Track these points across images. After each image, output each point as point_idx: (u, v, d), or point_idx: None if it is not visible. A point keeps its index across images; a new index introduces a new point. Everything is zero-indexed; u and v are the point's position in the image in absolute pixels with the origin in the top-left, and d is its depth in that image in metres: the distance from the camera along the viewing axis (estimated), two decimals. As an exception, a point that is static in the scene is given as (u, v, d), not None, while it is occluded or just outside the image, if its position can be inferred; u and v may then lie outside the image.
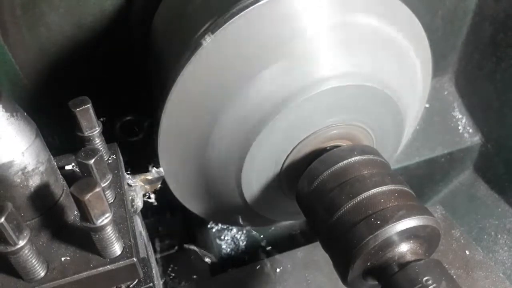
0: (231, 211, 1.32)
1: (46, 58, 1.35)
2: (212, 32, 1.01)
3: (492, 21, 1.68)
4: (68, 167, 0.98)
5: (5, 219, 0.68)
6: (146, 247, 1.04)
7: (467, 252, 1.48)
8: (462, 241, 1.52)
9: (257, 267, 1.54)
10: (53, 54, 1.35)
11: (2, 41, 1.25)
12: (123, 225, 0.86)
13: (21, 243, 0.72)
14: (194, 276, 1.64)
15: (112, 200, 0.91)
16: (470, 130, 1.91)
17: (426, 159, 1.86)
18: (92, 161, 0.83)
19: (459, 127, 1.91)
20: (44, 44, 1.32)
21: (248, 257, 1.85)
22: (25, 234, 0.73)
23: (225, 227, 1.87)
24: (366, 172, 1.04)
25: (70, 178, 0.93)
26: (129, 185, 1.07)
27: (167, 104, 1.07)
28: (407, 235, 0.93)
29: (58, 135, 1.32)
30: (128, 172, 1.10)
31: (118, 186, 0.95)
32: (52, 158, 0.85)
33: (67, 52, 1.36)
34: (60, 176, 0.88)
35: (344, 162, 1.07)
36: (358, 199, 0.98)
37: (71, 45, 1.35)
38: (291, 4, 1.03)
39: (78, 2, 1.27)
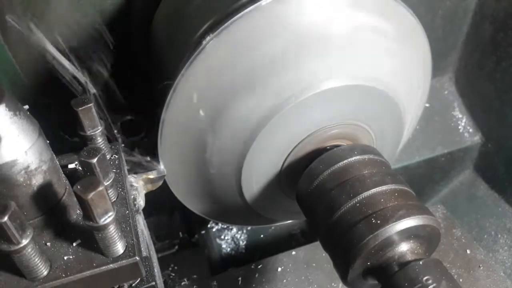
0: (231, 210, 1.32)
1: (46, 58, 1.35)
2: (212, 32, 1.01)
3: (492, 20, 1.68)
4: (70, 166, 0.98)
5: (9, 218, 0.68)
6: (148, 246, 1.04)
7: (468, 251, 1.49)
8: (463, 240, 1.52)
9: (258, 267, 1.54)
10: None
11: (2, 40, 1.25)
12: (125, 224, 0.87)
13: (24, 242, 0.72)
14: (194, 276, 1.64)
15: (114, 199, 0.92)
16: (470, 130, 1.91)
17: (426, 158, 1.86)
18: (95, 160, 0.83)
19: (459, 127, 1.91)
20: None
21: (249, 257, 1.85)
22: (28, 233, 0.73)
23: (225, 226, 1.88)
24: (366, 171, 1.04)
25: (72, 177, 0.93)
26: (131, 184, 1.07)
27: (167, 104, 1.07)
28: (407, 234, 0.93)
29: (58, 135, 1.32)
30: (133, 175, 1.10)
31: (120, 185, 0.95)
32: (55, 157, 0.85)
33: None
34: (63, 175, 0.88)
35: (344, 161, 1.07)
36: (358, 198, 0.98)
37: (71, 45, 1.35)
38: (291, 4, 1.03)
39: (78, 1, 1.27)
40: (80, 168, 0.96)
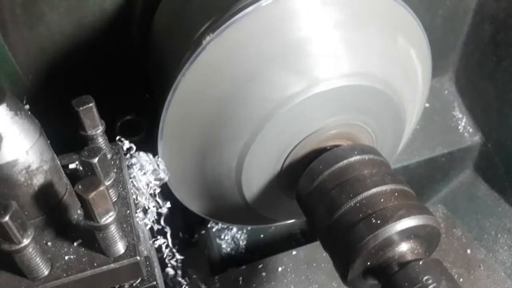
0: (232, 210, 1.32)
1: (46, 58, 1.35)
2: (212, 32, 1.01)
3: (492, 20, 1.69)
4: (71, 166, 0.98)
5: (10, 218, 0.68)
6: (149, 246, 1.05)
7: (468, 251, 1.49)
8: (463, 240, 1.53)
9: (258, 266, 1.54)
10: (53, 54, 1.35)
11: (2, 40, 1.25)
12: (126, 224, 0.87)
13: (26, 241, 0.72)
14: (194, 276, 1.64)
15: (115, 199, 0.92)
16: (470, 130, 1.91)
17: (426, 158, 1.86)
18: (96, 160, 0.83)
19: (459, 127, 1.91)
20: (44, 44, 1.32)
21: (249, 257, 1.85)
22: (29, 233, 0.73)
23: (225, 226, 1.87)
24: (366, 171, 1.04)
25: (73, 177, 0.94)
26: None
27: (167, 104, 1.07)
28: (407, 234, 0.93)
29: (58, 135, 1.32)
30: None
31: (121, 185, 0.96)
32: (56, 157, 0.85)
33: (67, 52, 1.36)
34: (64, 175, 0.88)
35: (344, 161, 1.07)
36: (358, 198, 0.98)
37: (71, 45, 1.35)
38: (292, 4, 1.03)
39: (78, 1, 1.27)
40: (81, 168, 0.96)
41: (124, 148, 1.07)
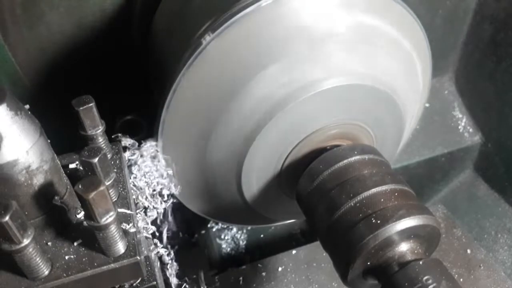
0: (232, 210, 1.32)
1: (46, 58, 1.35)
2: (212, 32, 1.01)
3: (492, 20, 1.69)
4: (71, 166, 0.98)
5: (10, 218, 0.68)
6: (149, 246, 1.04)
7: (468, 251, 1.49)
8: (463, 240, 1.53)
9: (258, 266, 1.54)
10: (53, 54, 1.35)
11: (2, 40, 1.25)
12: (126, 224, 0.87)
13: (26, 241, 0.72)
14: (194, 276, 1.64)
15: (115, 199, 0.92)
16: (470, 130, 1.91)
17: (426, 158, 1.86)
18: (96, 160, 0.83)
19: (459, 127, 1.91)
20: (44, 44, 1.32)
21: (249, 257, 1.85)
22: (29, 233, 0.73)
23: (225, 226, 1.88)
24: (366, 171, 1.04)
25: (73, 177, 0.94)
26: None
27: (167, 104, 1.07)
28: (407, 234, 0.93)
29: (58, 135, 1.32)
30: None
31: (121, 184, 0.96)
32: (56, 157, 0.85)
33: (67, 52, 1.36)
34: (64, 174, 0.89)
35: (344, 161, 1.07)
36: (358, 198, 0.98)
37: (71, 44, 1.35)
38: (291, 4, 1.03)
39: (78, 1, 1.27)
40: (81, 167, 0.96)
41: (127, 145, 1.07)
